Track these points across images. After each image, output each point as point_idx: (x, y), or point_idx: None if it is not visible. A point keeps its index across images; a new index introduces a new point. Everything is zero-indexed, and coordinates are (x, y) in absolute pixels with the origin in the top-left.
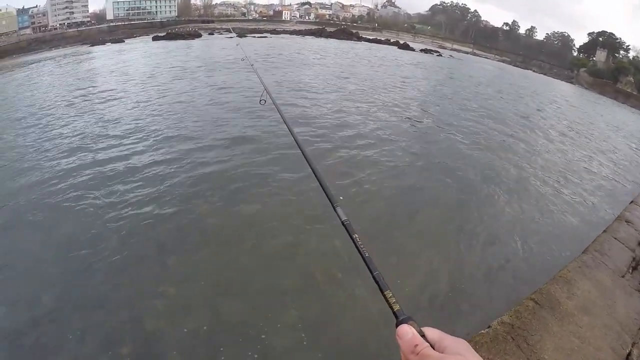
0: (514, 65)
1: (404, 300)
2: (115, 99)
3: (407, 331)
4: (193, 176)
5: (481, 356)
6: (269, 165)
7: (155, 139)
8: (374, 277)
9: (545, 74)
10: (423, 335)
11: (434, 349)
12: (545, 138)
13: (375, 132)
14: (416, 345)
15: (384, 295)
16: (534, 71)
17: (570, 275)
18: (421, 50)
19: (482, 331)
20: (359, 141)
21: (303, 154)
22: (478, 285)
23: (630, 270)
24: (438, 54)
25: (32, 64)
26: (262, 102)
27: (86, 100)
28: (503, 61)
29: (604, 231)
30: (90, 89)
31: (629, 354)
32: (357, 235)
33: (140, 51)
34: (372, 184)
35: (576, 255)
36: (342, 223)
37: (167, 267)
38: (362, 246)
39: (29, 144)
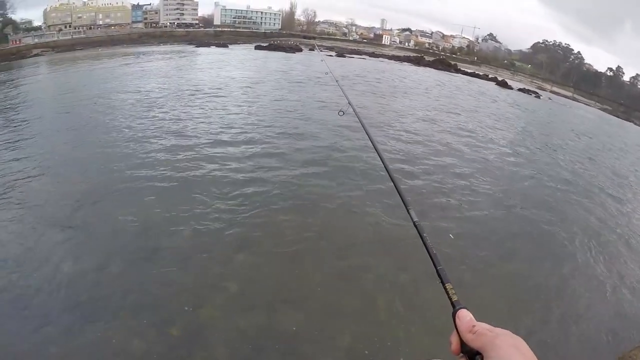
0: (615, 115)
1: None
2: (218, 97)
3: (465, 314)
4: (273, 181)
5: None
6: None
7: (251, 137)
8: (437, 271)
9: None
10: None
11: None
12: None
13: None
14: (473, 326)
15: (445, 287)
16: (635, 123)
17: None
18: (519, 89)
19: None
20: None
21: (379, 154)
22: (565, 343)
23: None
24: (536, 95)
25: (141, 54)
26: (341, 113)
27: (190, 94)
28: (604, 110)
29: None
30: (192, 84)
31: None
32: (426, 234)
33: (242, 57)
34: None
35: None
36: (414, 224)
37: (234, 264)
38: (430, 244)
39: (133, 125)
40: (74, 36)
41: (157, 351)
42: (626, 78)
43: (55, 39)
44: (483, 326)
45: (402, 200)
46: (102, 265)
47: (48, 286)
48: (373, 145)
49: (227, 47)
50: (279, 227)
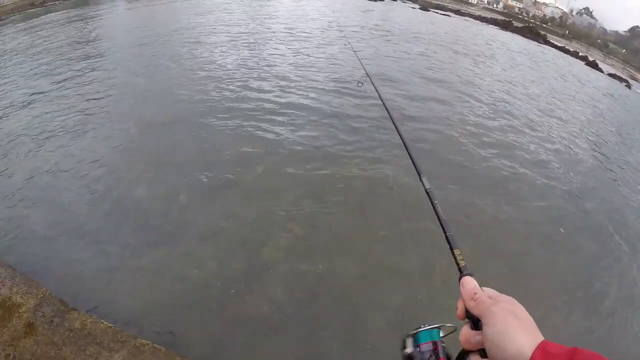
0: None
1: None
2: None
3: (469, 281)
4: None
5: None
6: None
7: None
8: (446, 236)
9: None
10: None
11: None
12: None
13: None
14: (475, 293)
15: (453, 253)
16: None
17: None
18: (609, 74)
19: None
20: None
21: (393, 123)
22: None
23: None
24: (627, 84)
25: None
26: (360, 84)
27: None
28: None
29: None
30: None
31: None
32: (437, 202)
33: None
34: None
35: None
36: (426, 191)
37: (301, 208)
38: (441, 212)
39: (214, 62)
40: None
41: (215, 283)
42: None
43: None
44: (487, 292)
45: (415, 167)
46: (171, 194)
47: (119, 208)
48: (390, 117)
49: None
50: (351, 183)
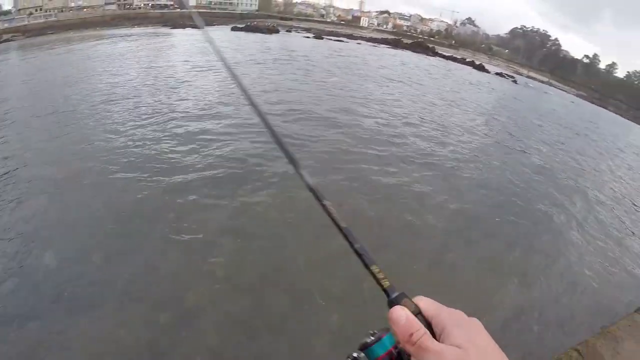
0: (590, 101)
1: None
2: (196, 78)
3: (400, 314)
4: (250, 162)
5: None
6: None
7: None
8: (355, 251)
9: (621, 115)
10: (419, 313)
11: (431, 325)
12: (613, 184)
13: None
14: (411, 335)
15: (371, 271)
16: (609, 110)
17: (618, 333)
18: (496, 74)
19: None
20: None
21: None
22: (522, 325)
23: None
24: (513, 79)
25: (114, 37)
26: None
27: (160, 79)
28: (579, 95)
29: None
30: (165, 68)
31: None
32: (329, 202)
33: (217, 39)
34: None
35: (628, 312)
36: (309, 188)
37: (220, 249)
38: (336, 215)
39: (109, 114)
40: (45, 19)
41: (147, 339)
42: (602, 66)
43: (26, 23)
44: (426, 310)
45: (289, 159)
46: (83, 256)
47: (29, 280)
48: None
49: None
50: (264, 212)
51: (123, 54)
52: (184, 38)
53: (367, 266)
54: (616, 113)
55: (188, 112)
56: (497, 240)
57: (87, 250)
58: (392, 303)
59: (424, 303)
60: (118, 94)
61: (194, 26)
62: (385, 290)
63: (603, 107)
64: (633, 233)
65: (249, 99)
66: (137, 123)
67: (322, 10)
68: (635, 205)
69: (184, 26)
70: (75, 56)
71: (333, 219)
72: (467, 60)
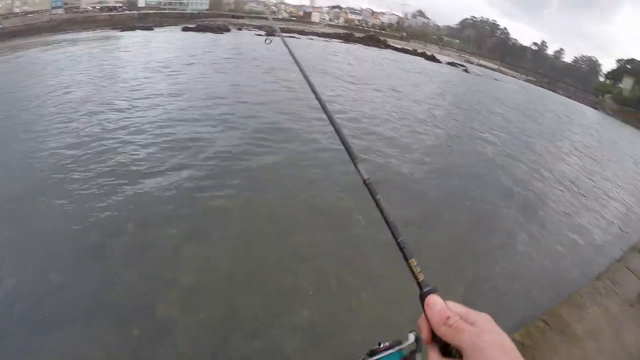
0: (539, 86)
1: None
2: (145, 83)
3: (437, 301)
4: (208, 164)
5: None
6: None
7: (178, 121)
8: (398, 244)
9: (569, 97)
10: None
11: None
12: (566, 161)
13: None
14: (448, 318)
15: (409, 264)
16: (558, 93)
17: (582, 300)
18: (447, 63)
19: None
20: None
21: (321, 104)
22: (489, 299)
23: None
24: (464, 68)
25: (61, 42)
26: (268, 41)
27: (111, 84)
28: (529, 81)
29: (618, 260)
30: (116, 73)
31: None
32: (380, 196)
33: (168, 40)
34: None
35: (589, 280)
36: (364, 182)
37: (184, 257)
38: (386, 208)
39: (41, 127)
40: None
41: (119, 355)
42: (550, 52)
43: None
44: (458, 311)
45: (349, 154)
46: (42, 276)
47: None
48: (313, 92)
49: (153, 29)
50: (225, 213)
51: (74, 59)
52: (135, 40)
53: (406, 259)
54: (565, 96)
55: (147, 117)
56: (456, 221)
57: (45, 269)
58: (426, 293)
59: (451, 304)
60: (68, 103)
61: (144, 28)
62: (419, 283)
63: (552, 91)
64: (587, 207)
65: (316, 96)
66: (90, 132)
67: (273, 7)
68: (590, 181)
69: (133, 28)
70: (20, 65)
71: (382, 212)
72: (419, 51)
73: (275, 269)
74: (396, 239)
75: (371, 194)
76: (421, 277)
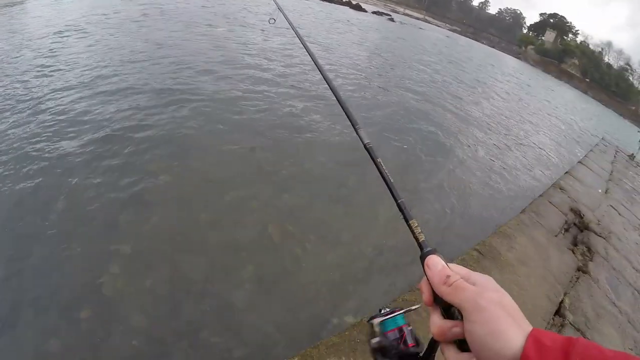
0: (464, 35)
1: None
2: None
3: (437, 262)
4: (150, 125)
5: None
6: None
7: (105, 80)
8: (398, 205)
9: (493, 47)
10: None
11: None
12: (491, 107)
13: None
14: (448, 277)
15: (409, 225)
16: (483, 43)
17: (510, 231)
18: (373, 12)
19: None
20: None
21: (324, 76)
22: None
23: (563, 232)
24: (389, 17)
25: None
26: (272, 21)
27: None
28: (454, 30)
29: (540, 195)
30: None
31: (562, 302)
32: (380, 160)
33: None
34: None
35: (515, 214)
36: (365, 146)
37: (119, 227)
38: (386, 171)
39: None
40: None
41: (75, 340)
42: (475, 3)
43: None
44: (459, 272)
45: (350, 119)
46: None
47: None
48: (317, 65)
49: None
50: (155, 178)
51: None
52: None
53: (406, 220)
54: (489, 46)
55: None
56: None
57: None
58: (427, 254)
59: (454, 266)
60: None
61: None
62: (419, 244)
63: (477, 41)
64: (509, 147)
65: (315, 63)
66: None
67: None
68: (512, 125)
69: None
70: None
71: (382, 174)
72: (344, 0)
73: (213, 229)
74: (396, 200)
75: (372, 157)
76: (422, 238)
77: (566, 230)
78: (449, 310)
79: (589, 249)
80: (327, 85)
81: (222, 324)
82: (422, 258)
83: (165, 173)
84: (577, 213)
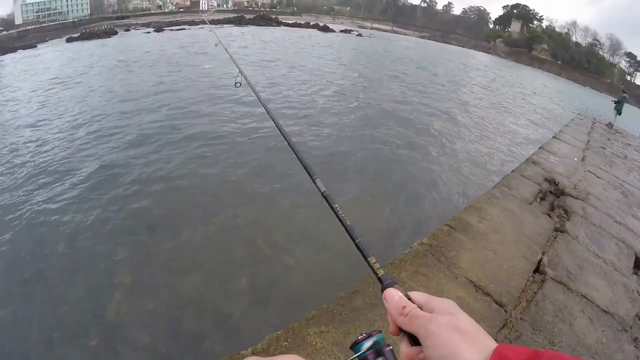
0: (433, 40)
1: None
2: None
3: (393, 294)
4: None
5: (406, 269)
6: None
7: (96, 134)
8: (356, 245)
9: (463, 46)
10: (409, 299)
11: (421, 309)
12: (468, 96)
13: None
14: (404, 307)
15: (368, 262)
16: (452, 44)
17: (480, 205)
18: (341, 31)
19: (405, 251)
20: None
21: (279, 128)
22: (399, 219)
23: (538, 200)
24: (358, 33)
25: None
26: (238, 84)
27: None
28: (422, 37)
29: (512, 171)
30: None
31: (540, 260)
32: (337, 205)
33: (53, 56)
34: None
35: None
36: (322, 194)
37: (118, 260)
38: (342, 215)
39: None
40: None
41: None
42: (439, 7)
43: None
44: (416, 299)
45: (306, 170)
46: None
47: None
48: (269, 114)
49: (36, 47)
50: (149, 211)
51: None
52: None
53: (365, 258)
54: (458, 46)
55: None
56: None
57: None
58: (386, 287)
59: (414, 294)
60: None
61: (27, 47)
62: (379, 278)
63: (446, 43)
64: (486, 136)
65: (269, 113)
66: None
67: (158, 1)
68: (496, 114)
69: (14, 49)
70: None
71: (340, 219)
72: (312, 23)
73: (207, 246)
74: (354, 241)
75: (329, 204)
76: (380, 273)
77: (542, 198)
78: (414, 338)
79: (566, 211)
80: (286, 143)
81: (224, 333)
82: (382, 291)
83: (156, 204)
84: (551, 182)
